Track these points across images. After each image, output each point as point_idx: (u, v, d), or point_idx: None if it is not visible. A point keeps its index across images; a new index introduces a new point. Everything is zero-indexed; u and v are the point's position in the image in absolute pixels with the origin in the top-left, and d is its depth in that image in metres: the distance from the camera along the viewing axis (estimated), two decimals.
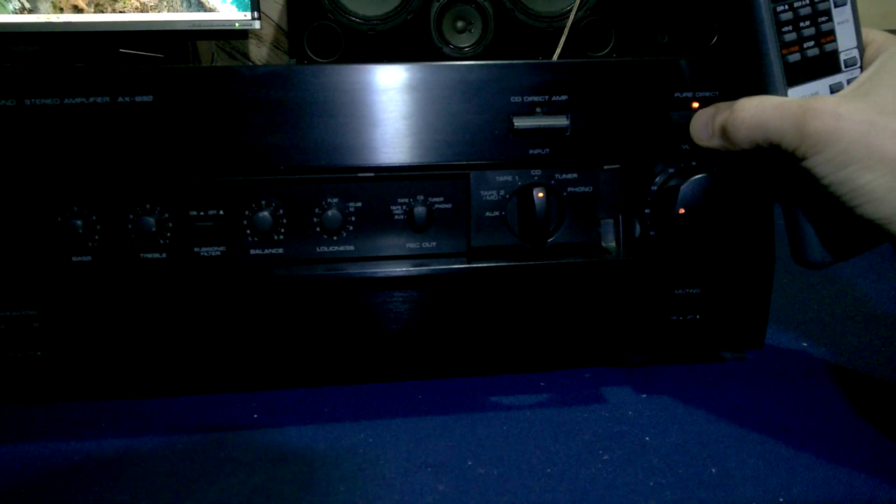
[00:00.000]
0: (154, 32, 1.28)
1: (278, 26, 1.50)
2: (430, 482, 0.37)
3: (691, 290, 0.45)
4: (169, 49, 1.37)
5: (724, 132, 0.39)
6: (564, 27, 1.22)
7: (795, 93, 0.38)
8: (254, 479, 0.37)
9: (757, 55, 0.38)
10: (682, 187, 0.42)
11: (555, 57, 1.11)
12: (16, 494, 0.36)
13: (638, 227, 0.44)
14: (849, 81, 0.38)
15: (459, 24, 1.34)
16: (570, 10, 1.25)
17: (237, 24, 1.29)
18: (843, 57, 0.39)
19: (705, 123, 0.41)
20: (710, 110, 0.41)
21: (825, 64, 0.38)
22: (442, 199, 0.44)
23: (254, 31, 1.41)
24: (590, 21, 1.34)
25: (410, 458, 0.39)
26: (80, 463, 0.39)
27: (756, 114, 0.37)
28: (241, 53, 1.52)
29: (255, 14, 1.29)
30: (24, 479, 0.38)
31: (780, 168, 0.40)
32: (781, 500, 0.35)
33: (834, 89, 0.38)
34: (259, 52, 1.52)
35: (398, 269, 0.43)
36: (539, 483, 0.36)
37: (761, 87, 0.39)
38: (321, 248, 0.44)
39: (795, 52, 0.38)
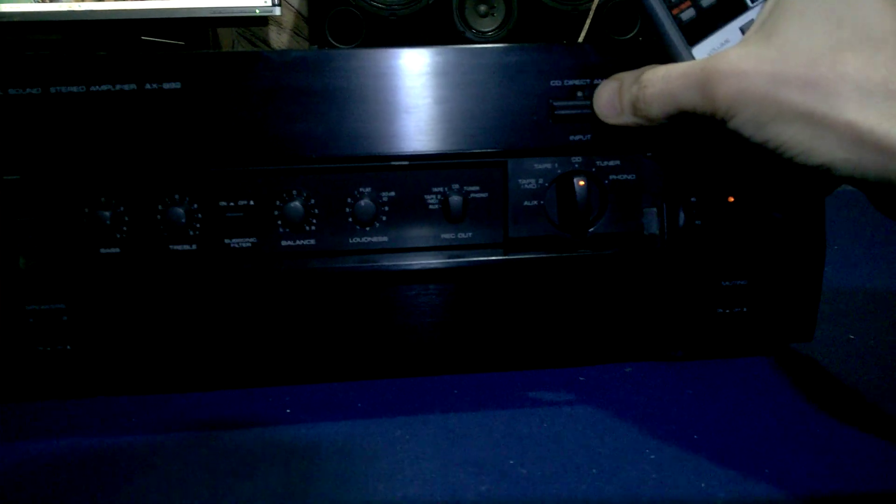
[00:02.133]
0: (175, 20, 1.27)
1: (298, 13, 1.48)
2: (472, 482, 0.35)
3: (738, 282, 0.43)
4: (190, 36, 1.36)
5: (636, 109, 0.36)
6: (589, 10, 1.19)
7: (702, 49, 0.35)
8: (290, 475, 0.36)
9: (651, 23, 0.35)
10: (731, 174, 0.40)
11: (579, 41, 1.09)
12: (47, 489, 0.36)
13: (683, 216, 0.42)
14: None
15: (482, 7, 1.32)
16: None
17: (257, 11, 1.28)
18: None
19: (611, 101, 0.38)
20: (611, 84, 0.38)
21: (728, 7, 0.35)
22: (478, 187, 0.42)
23: (274, 18, 1.40)
24: (615, 4, 1.31)
25: (450, 456, 0.38)
26: (111, 458, 0.38)
27: (664, 87, 0.34)
28: (262, 40, 1.50)
29: (276, 0, 1.28)
30: (55, 475, 0.37)
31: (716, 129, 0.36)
32: (844, 497, 0.33)
33: (745, 30, 0.34)
34: (279, 39, 1.50)
35: (433, 262, 0.41)
36: (585, 483, 0.35)
37: (667, 56, 0.35)
38: (354, 239, 0.42)
39: (687, 7, 0.35)
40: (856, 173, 0.30)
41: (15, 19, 1.27)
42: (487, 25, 1.31)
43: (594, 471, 0.36)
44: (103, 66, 0.38)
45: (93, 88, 0.39)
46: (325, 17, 1.26)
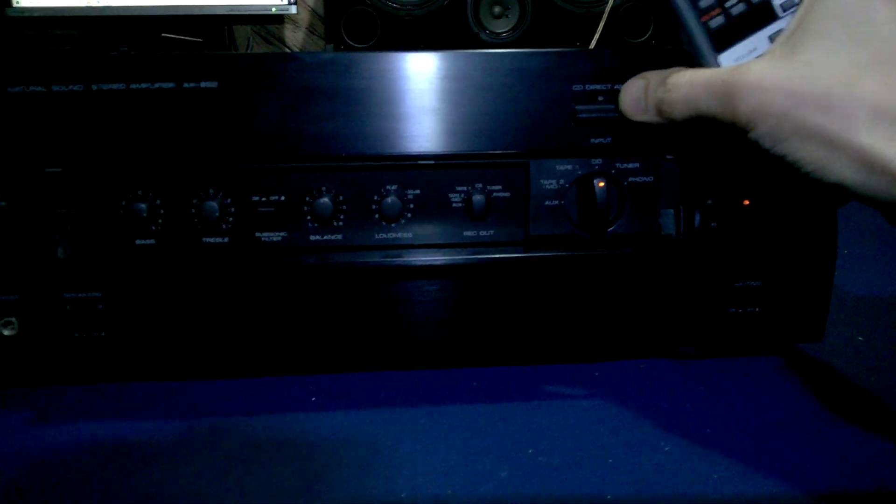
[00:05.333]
0: (192, 17, 1.29)
1: (314, 11, 1.50)
2: (492, 469, 0.37)
3: (752, 283, 0.45)
4: (207, 34, 1.38)
5: (660, 111, 0.37)
6: (603, 13, 1.20)
7: (729, 57, 0.35)
8: (315, 462, 0.38)
9: (679, 28, 0.36)
10: (746, 178, 0.41)
11: (593, 43, 1.10)
12: (81, 471, 0.37)
13: (699, 218, 0.44)
14: None
15: (496, 9, 1.33)
16: None
17: (274, 9, 1.30)
18: (776, 2, 0.35)
19: (636, 99, 0.39)
20: (638, 83, 0.39)
21: (758, 16, 0.35)
22: (500, 187, 0.44)
23: (290, 16, 1.41)
24: (629, 6, 1.32)
25: (470, 444, 0.39)
26: (141, 443, 0.40)
27: (687, 93, 0.35)
28: (277, 38, 1.52)
29: None
30: (88, 457, 0.39)
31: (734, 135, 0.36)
32: (853, 492, 0.34)
33: (774, 39, 0.35)
34: (295, 37, 1.52)
35: (456, 257, 0.43)
36: (601, 473, 0.36)
37: (694, 60, 0.36)
38: (379, 235, 0.44)
39: (717, 14, 0.35)
40: (868, 194, 0.32)
41: (35, 14, 1.29)
42: (501, 27, 1.33)
43: (610, 461, 0.37)
44: (143, 64, 0.40)
45: (132, 86, 0.40)
46: (341, 17, 1.27)
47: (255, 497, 0.35)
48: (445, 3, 1.28)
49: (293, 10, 1.28)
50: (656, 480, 0.36)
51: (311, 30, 1.50)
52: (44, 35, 1.36)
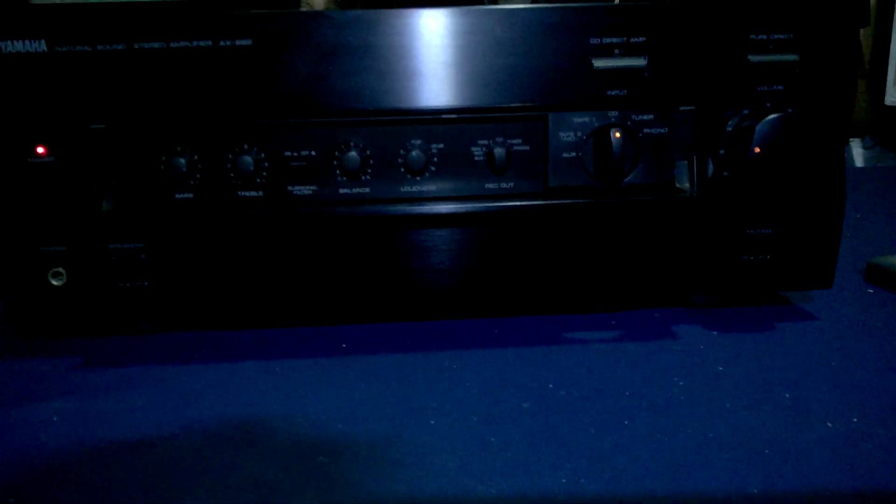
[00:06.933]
0: None
1: None
2: (515, 400, 0.39)
3: (763, 230, 0.46)
4: None
5: None
6: None
7: None
8: (354, 394, 0.40)
9: None
10: (758, 127, 0.43)
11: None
12: (125, 408, 0.40)
13: (712, 168, 0.45)
14: None
15: None
16: None
17: None
18: None
19: None
20: None
21: None
22: (520, 140, 0.46)
23: None
24: None
25: (494, 380, 0.41)
26: (186, 381, 0.43)
27: None
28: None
29: None
30: (138, 397, 0.41)
31: None
32: (855, 420, 0.36)
33: None
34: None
35: (478, 205, 0.45)
36: (618, 403, 0.39)
37: None
38: (405, 187, 0.46)
39: None
40: None
41: None
42: None
43: (627, 393, 0.39)
44: (182, 23, 0.42)
45: (172, 45, 0.42)
46: None
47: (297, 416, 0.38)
48: None
49: None
50: (669, 409, 0.38)
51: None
52: None
